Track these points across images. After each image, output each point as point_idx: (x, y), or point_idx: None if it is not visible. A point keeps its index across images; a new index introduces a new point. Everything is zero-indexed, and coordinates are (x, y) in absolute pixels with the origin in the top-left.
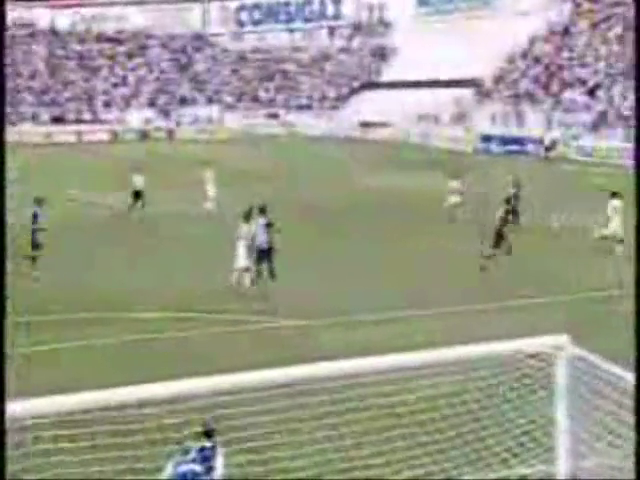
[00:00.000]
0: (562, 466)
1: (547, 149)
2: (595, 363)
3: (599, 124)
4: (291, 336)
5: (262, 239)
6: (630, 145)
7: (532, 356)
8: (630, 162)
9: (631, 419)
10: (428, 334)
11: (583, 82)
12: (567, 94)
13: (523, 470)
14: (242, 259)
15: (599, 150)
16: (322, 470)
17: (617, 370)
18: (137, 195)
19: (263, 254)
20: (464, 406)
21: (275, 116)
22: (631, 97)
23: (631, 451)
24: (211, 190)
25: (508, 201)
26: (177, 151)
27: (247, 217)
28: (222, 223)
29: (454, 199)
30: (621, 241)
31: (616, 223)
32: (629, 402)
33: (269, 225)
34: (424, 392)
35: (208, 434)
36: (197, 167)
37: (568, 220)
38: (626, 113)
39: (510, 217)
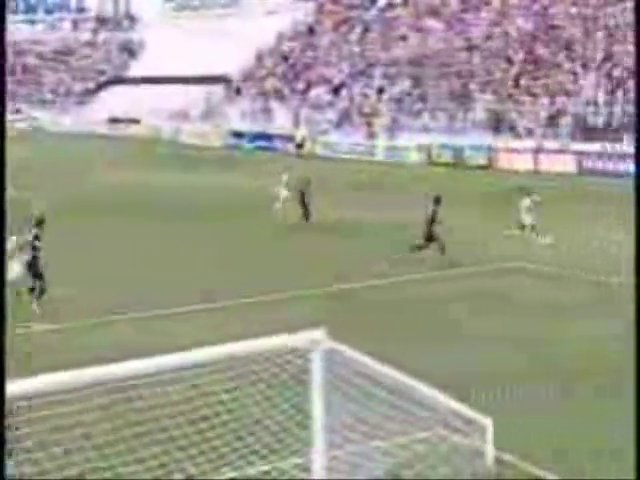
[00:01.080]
0: (318, 457)
1: (298, 146)
2: (350, 356)
3: (343, 121)
4: (56, 340)
5: (28, 258)
6: (372, 142)
7: (290, 352)
8: (374, 157)
9: (384, 409)
10: (200, 331)
11: (328, 81)
12: (313, 92)
13: (280, 464)
14: (15, 271)
15: (343, 146)
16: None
17: (370, 362)
18: None
19: (30, 271)
20: (223, 405)
21: (17, 111)
22: (372, 96)
23: (382, 438)
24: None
25: (302, 197)
26: None
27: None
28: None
29: (284, 193)
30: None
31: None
32: (381, 393)
33: (35, 241)
34: (184, 393)
35: None
36: None
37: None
38: (367, 111)
39: (437, 216)
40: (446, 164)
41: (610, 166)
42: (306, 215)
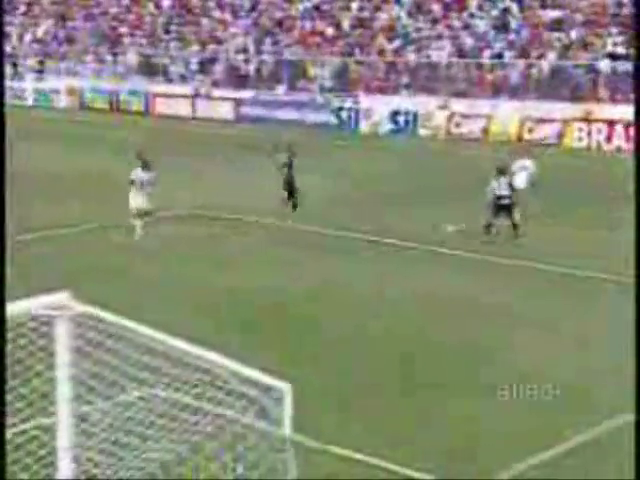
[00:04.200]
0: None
1: None
2: (99, 317)
3: None
4: None
5: None
6: (20, 85)
7: (32, 318)
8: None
9: (131, 369)
10: None
11: None
12: None
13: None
14: None
15: None
16: None
17: (122, 322)
18: None
19: None
20: None
21: None
22: (13, 35)
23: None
24: None
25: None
26: None
27: None
28: None
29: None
30: None
31: None
32: (127, 351)
33: None
34: None
35: None
36: None
37: None
38: (9, 51)
39: None
40: (101, 109)
41: (264, 113)
42: None
